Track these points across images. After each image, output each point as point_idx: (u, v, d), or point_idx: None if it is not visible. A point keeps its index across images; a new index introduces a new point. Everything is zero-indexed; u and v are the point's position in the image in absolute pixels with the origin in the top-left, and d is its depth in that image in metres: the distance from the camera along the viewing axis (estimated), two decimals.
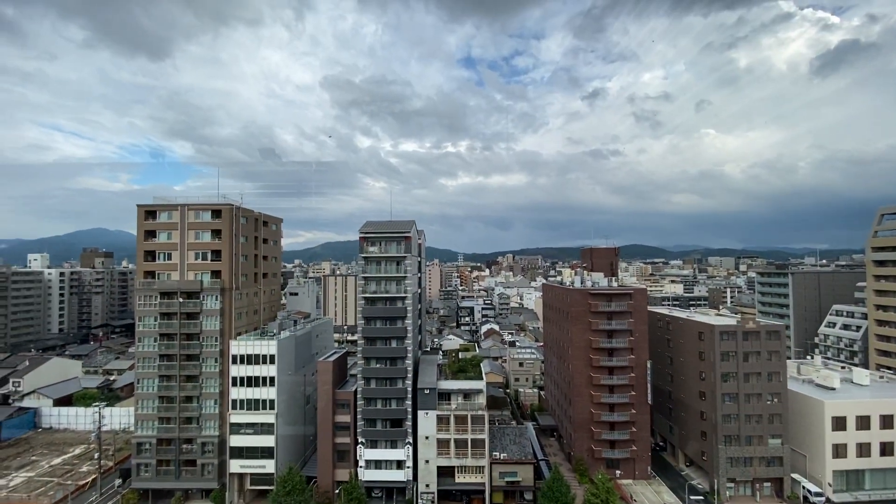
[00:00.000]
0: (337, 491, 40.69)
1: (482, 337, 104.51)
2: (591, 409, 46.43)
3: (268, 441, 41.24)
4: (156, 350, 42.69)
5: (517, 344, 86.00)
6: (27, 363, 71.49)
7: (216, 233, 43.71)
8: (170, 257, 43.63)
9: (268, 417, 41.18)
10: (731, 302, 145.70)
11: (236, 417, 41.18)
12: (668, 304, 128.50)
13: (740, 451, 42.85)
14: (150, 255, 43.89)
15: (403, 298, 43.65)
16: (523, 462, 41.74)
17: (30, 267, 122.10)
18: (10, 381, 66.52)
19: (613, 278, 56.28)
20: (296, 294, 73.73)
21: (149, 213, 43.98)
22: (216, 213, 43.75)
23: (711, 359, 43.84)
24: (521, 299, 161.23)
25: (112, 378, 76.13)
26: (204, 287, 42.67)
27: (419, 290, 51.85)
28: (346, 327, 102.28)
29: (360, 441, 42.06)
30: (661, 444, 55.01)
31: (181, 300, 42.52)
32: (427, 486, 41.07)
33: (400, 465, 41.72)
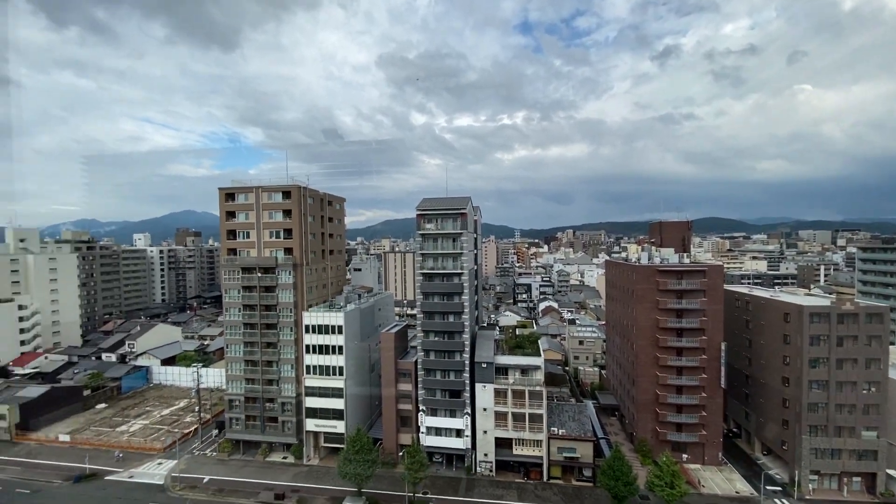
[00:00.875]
0: (401, 453, 43.44)
1: (540, 314, 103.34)
2: (657, 391, 44.57)
3: (338, 404, 44.77)
4: (240, 319, 47.54)
5: (577, 322, 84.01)
6: (138, 328, 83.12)
7: (287, 212, 46.90)
8: (248, 235, 47.74)
9: (337, 382, 44.56)
10: (826, 280, 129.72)
11: (310, 381, 45.03)
12: (749, 283, 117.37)
13: (827, 443, 39.13)
14: (232, 234, 48.32)
15: (460, 274, 44.24)
16: (582, 439, 41.48)
17: (135, 245, 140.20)
18: (126, 343, 77.95)
19: (685, 254, 52.42)
20: (359, 270, 77.55)
21: (228, 195, 48.15)
22: (286, 194, 46.83)
23: (798, 343, 39.79)
24: (581, 276, 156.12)
25: (206, 343, 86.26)
26: (278, 263, 46.34)
27: (475, 267, 52.16)
28: (405, 302, 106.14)
29: (421, 409, 44.25)
30: (734, 430, 51.68)
31: (259, 275, 46.65)
32: (485, 455, 42.47)
33: (459, 433, 43.41)
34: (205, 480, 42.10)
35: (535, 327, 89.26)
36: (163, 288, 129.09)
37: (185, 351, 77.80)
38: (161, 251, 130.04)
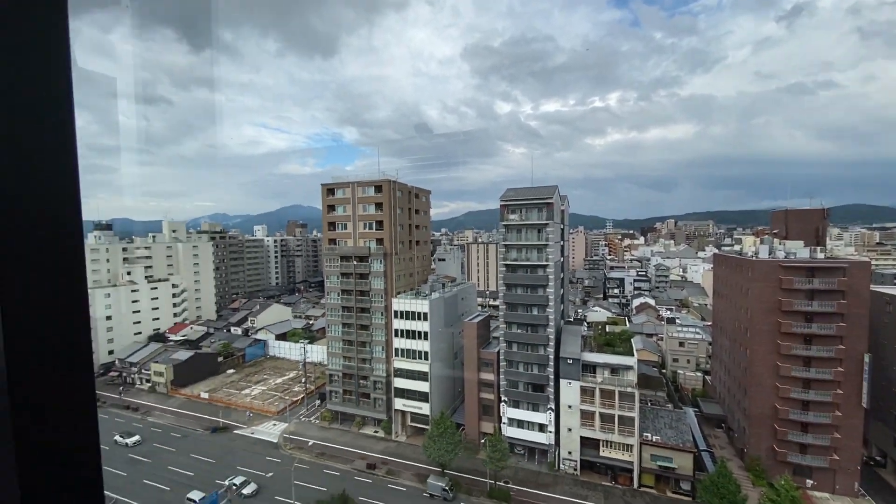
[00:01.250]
0: (483, 441, 44.30)
1: (633, 311, 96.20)
2: (776, 404, 38.90)
3: (423, 386, 47.07)
4: (339, 303, 52.33)
5: (677, 321, 76.53)
6: (258, 307, 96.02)
7: (378, 205, 50.12)
8: (345, 227, 52.09)
9: (423, 366, 46.81)
10: None
11: (398, 363, 47.99)
12: None
13: None
14: (332, 226, 53.15)
15: (544, 266, 43.12)
16: (680, 448, 38.05)
17: (255, 236, 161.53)
18: (248, 319, 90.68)
19: (818, 248, 44.50)
20: (443, 260, 79.86)
21: (329, 190, 52.95)
22: (377, 188, 50.02)
23: None
24: (683, 271, 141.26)
25: (311, 322, 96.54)
26: (371, 252, 49.88)
27: (561, 259, 50.34)
28: (488, 292, 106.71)
29: (503, 399, 44.49)
30: (878, 458, 42.98)
31: (355, 263, 50.72)
32: (569, 453, 41.30)
33: (542, 428, 42.79)
34: (310, 444, 47.57)
35: (627, 325, 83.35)
36: (276, 273, 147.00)
37: (294, 328, 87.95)
38: (275, 241, 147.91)
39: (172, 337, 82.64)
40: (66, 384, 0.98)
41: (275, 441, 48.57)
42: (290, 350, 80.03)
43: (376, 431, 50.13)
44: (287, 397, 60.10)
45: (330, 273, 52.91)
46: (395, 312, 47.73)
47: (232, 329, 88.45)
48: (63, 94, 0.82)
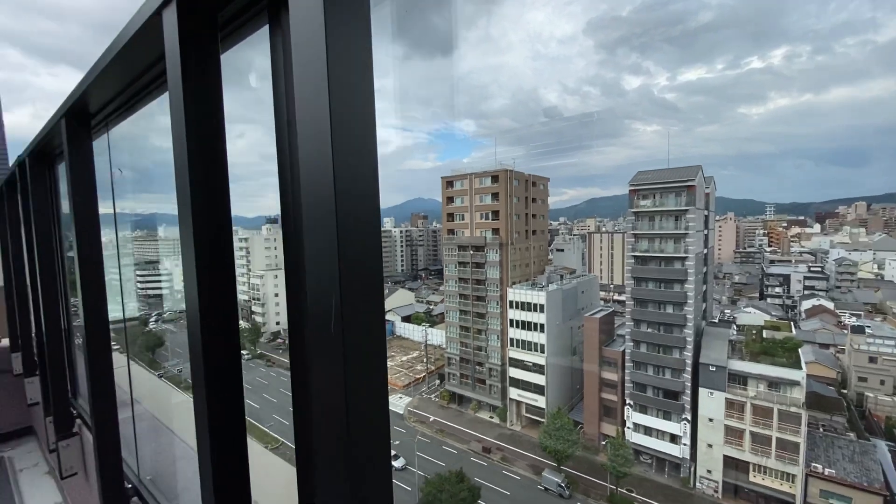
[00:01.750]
0: (603, 443, 41.87)
1: (802, 315, 79.00)
2: None
3: (538, 379, 46.39)
4: (456, 290, 54.72)
5: (868, 330, 60.39)
6: (387, 291, 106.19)
7: (494, 195, 50.56)
8: (462, 218, 53.92)
9: (538, 359, 46.09)
10: None
11: (513, 353, 48.15)
12: None
13: None
14: (451, 216, 55.55)
15: (683, 259, 38.19)
16: (865, 489, 30.33)
17: (384, 227, 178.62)
18: None
19: None
20: (562, 250, 76.82)
21: (448, 182, 55.31)
22: (494, 178, 50.42)
23: None
24: (878, 268, 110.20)
25: (431, 307, 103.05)
26: (487, 242, 50.78)
27: (705, 251, 43.92)
28: (612, 286, 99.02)
29: (627, 402, 41.23)
30: None
31: (471, 252, 52.29)
32: (709, 471, 36.33)
33: (674, 439, 38.48)
34: (430, 420, 51.21)
35: (792, 331, 68.84)
36: (402, 261, 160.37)
37: (417, 312, 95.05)
38: (401, 232, 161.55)
39: None
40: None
41: (401, 412, 53.54)
42: (413, 331, 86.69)
43: (491, 417, 51.35)
44: (411, 374, 65.45)
45: (448, 262, 55.53)
46: (511, 302, 47.83)
47: None
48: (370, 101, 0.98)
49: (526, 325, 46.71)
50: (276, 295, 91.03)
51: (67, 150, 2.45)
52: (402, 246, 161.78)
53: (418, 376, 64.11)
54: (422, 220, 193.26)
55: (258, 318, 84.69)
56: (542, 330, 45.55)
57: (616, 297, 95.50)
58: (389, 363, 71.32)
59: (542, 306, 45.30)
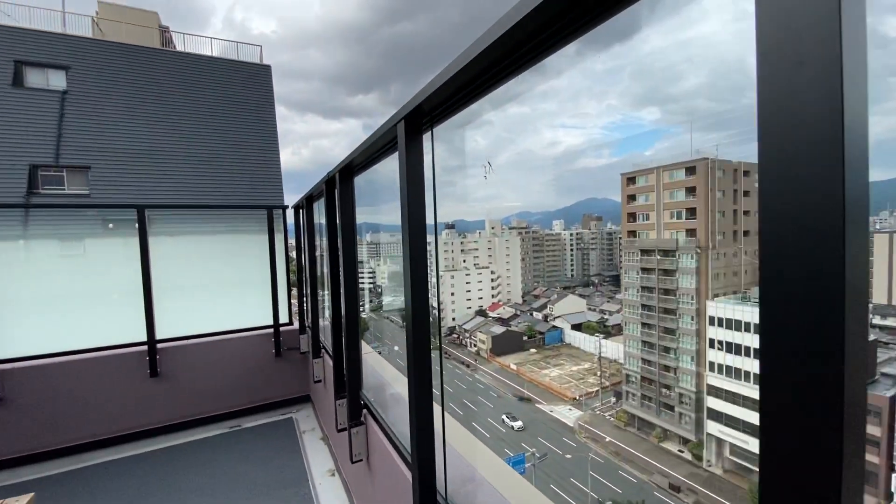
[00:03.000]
0: None
1: None
2: None
3: (751, 417, 37.14)
4: (638, 300, 48.78)
5: None
6: (555, 296, 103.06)
7: (690, 190, 42.96)
8: (647, 218, 47.71)
9: (750, 391, 36.91)
10: None
11: (713, 380, 39.87)
12: None
13: None
14: (632, 217, 49.91)
15: None
16: None
17: (553, 230, 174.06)
18: (547, 306, 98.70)
19: None
20: None
21: (629, 179, 49.83)
22: (690, 170, 42.86)
23: None
24: None
25: (605, 317, 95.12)
26: (679, 246, 43.57)
27: None
28: (871, 306, 72.03)
29: None
30: None
31: (658, 258, 45.75)
32: None
33: None
34: (605, 440, 47.04)
35: None
36: (572, 265, 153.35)
37: (588, 321, 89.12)
38: (571, 234, 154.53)
39: (490, 314, 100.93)
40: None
41: (570, 425, 50.93)
42: (584, 341, 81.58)
43: (681, 451, 43.73)
44: (582, 386, 61.63)
45: (628, 267, 49.97)
46: (711, 319, 39.75)
47: (533, 314, 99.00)
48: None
49: (733, 348, 38.06)
50: (453, 294, 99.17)
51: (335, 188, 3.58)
52: (572, 249, 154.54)
53: (590, 390, 59.74)
54: (595, 222, 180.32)
55: (435, 314, 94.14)
56: (756, 356, 36.34)
57: (879, 321, 68.90)
58: (557, 372, 68.82)
59: (757, 326, 36.17)
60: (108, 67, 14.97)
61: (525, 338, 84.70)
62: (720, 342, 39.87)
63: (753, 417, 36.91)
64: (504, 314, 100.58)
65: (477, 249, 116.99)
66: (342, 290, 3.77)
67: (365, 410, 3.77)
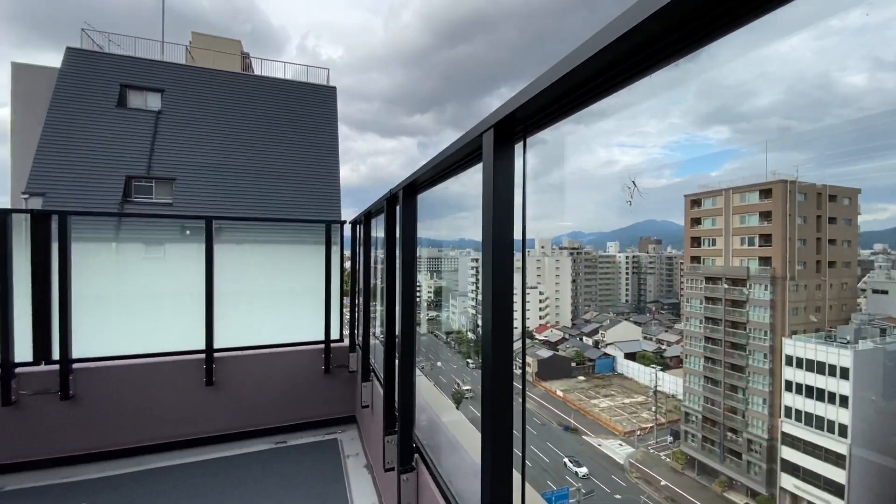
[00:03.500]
0: None
1: None
2: None
3: (835, 474, 32.41)
4: (701, 332, 45.03)
5: None
6: (608, 321, 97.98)
7: (764, 215, 39.42)
8: (714, 243, 44.29)
9: (836, 445, 32.30)
10: None
11: (789, 428, 35.48)
12: None
13: None
14: (696, 241, 46.60)
15: None
16: None
17: (607, 252, 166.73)
18: (599, 332, 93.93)
19: None
20: (883, 292, 52.88)
21: (694, 202, 46.74)
22: (765, 193, 39.43)
23: None
24: None
25: (663, 347, 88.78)
26: (750, 275, 39.87)
27: None
28: None
29: None
30: None
31: (725, 286, 42.11)
32: None
33: None
34: (660, 483, 43.29)
35: None
36: (626, 289, 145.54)
37: (644, 350, 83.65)
38: (626, 257, 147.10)
39: (538, 336, 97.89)
40: None
41: (621, 462, 47.49)
42: (639, 372, 76.45)
43: None
44: (634, 421, 57.50)
45: (690, 296, 46.45)
46: (789, 358, 35.67)
47: (584, 338, 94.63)
48: None
49: (815, 394, 33.77)
50: None
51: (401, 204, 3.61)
52: (627, 273, 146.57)
53: (643, 425, 55.44)
54: (653, 245, 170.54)
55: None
56: (844, 404, 31.94)
57: None
58: (608, 402, 64.76)
59: (846, 371, 31.89)
60: (196, 90, 16.68)
61: (574, 364, 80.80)
62: (798, 385, 35.51)
63: (839, 475, 32.30)
64: (552, 337, 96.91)
65: (526, 269, 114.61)
66: (398, 314, 3.58)
67: (416, 455, 3.45)
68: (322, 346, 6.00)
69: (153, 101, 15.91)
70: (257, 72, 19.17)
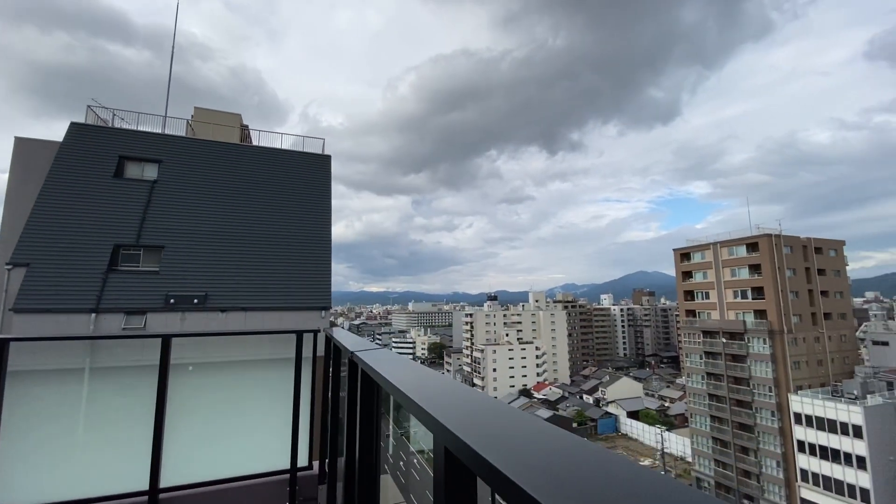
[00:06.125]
0: None
1: None
2: None
3: None
4: (704, 388, 43.60)
5: None
6: (607, 377, 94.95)
7: (754, 268, 39.89)
8: (707, 296, 44.31)
9: None
10: None
11: (808, 494, 33.27)
12: None
13: None
14: (689, 295, 46.63)
15: None
16: None
17: (602, 304, 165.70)
18: (599, 389, 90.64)
19: None
20: (884, 343, 52.26)
21: (683, 255, 47.48)
22: (752, 247, 40.20)
23: None
24: None
25: (666, 405, 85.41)
26: (747, 328, 39.48)
27: None
28: None
29: None
30: None
31: (724, 341, 41.50)
32: None
33: None
34: None
35: None
36: (624, 343, 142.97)
37: (646, 408, 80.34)
38: (621, 309, 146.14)
39: (536, 394, 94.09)
40: None
41: None
42: (643, 431, 72.76)
43: None
44: None
45: (690, 350, 45.59)
46: (797, 416, 34.32)
47: (584, 396, 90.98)
48: None
49: (830, 455, 32.05)
50: (495, 370, 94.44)
51: None
52: (623, 326, 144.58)
53: None
54: (647, 297, 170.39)
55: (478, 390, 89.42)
56: (862, 466, 30.23)
57: None
58: None
59: (857, 428, 30.56)
60: (193, 160, 17.05)
61: (575, 424, 76.63)
62: (812, 446, 33.77)
63: None
64: (551, 395, 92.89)
65: (520, 322, 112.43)
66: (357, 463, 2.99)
67: None
68: (288, 475, 4.84)
69: (150, 172, 16.14)
70: (255, 142, 19.85)
